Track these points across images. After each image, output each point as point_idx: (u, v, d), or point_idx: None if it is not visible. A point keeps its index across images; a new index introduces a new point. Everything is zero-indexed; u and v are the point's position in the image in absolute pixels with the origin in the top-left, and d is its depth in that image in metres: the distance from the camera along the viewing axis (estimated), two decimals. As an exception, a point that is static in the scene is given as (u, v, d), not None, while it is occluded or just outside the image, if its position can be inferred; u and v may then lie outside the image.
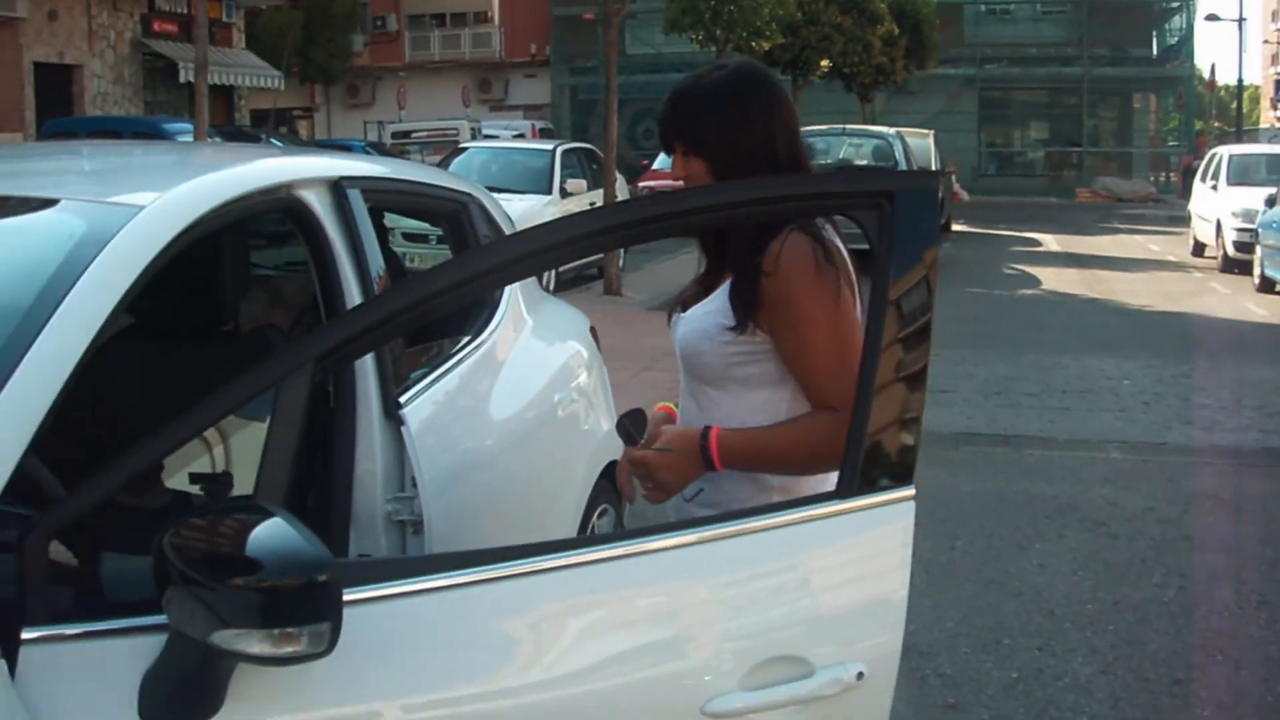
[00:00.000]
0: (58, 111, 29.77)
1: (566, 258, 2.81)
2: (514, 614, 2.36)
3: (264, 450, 2.31)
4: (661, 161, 29.40)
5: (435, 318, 2.67)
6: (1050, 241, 28.37)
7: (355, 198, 3.65)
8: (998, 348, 13.46)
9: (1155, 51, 51.93)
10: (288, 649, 2.00)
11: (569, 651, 2.40)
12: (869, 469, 2.52)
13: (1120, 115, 52.31)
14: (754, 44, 23.86)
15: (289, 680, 2.17)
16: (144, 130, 23.82)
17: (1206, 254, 23.82)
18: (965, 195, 37.55)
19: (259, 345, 3.92)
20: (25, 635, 2.12)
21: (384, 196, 4.07)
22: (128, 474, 2.29)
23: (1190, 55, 50.86)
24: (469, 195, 4.62)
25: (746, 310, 2.86)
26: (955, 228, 29.59)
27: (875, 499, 2.52)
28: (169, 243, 2.74)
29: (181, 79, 32.95)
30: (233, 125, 34.92)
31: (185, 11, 34.21)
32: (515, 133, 35.26)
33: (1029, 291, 19.72)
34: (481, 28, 53.38)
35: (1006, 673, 5.56)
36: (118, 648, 2.17)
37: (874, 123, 30.86)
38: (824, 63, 30.36)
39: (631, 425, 2.95)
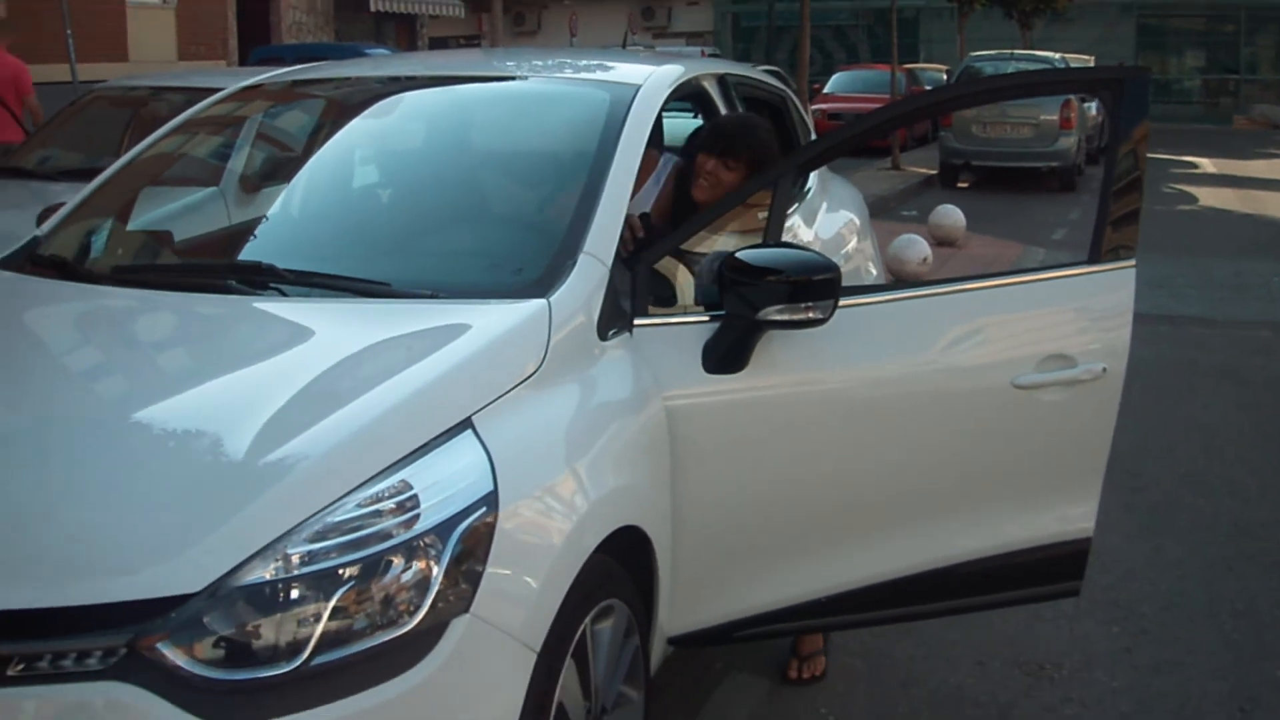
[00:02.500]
0: (257, 40, 31.74)
1: (920, 119, 4.42)
2: (923, 320, 4.01)
3: (769, 217, 3.95)
4: (832, 85, 30.83)
5: (856, 149, 4.31)
6: (1207, 164, 29.24)
7: (732, 87, 5.32)
8: (1159, 251, 14.76)
9: (1316, -23, 51.82)
10: (805, 316, 3.64)
11: (947, 339, 4.03)
12: (1108, 250, 4.11)
13: (1278, 42, 52.28)
14: (923, -28, 25.03)
15: (783, 353, 3.80)
16: (348, 54, 25.60)
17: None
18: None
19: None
20: (636, 322, 3.78)
21: (745, 89, 5.69)
22: (687, 234, 3.97)
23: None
24: (786, 91, 6.28)
25: None
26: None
27: (1115, 264, 4.11)
28: (659, 107, 4.41)
29: (372, 8, 34.87)
30: (413, 50, 36.82)
31: (373, -57, 36.11)
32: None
33: (1187, 207, 20.90)
34: (646, -45, 54.78)
35: (1176, 470, 7.15)
36: (687, 330, 3.80)
37: (1032, 49, 31.81)
38: (988, -10, 31.34)
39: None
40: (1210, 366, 9.71)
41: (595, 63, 5.35)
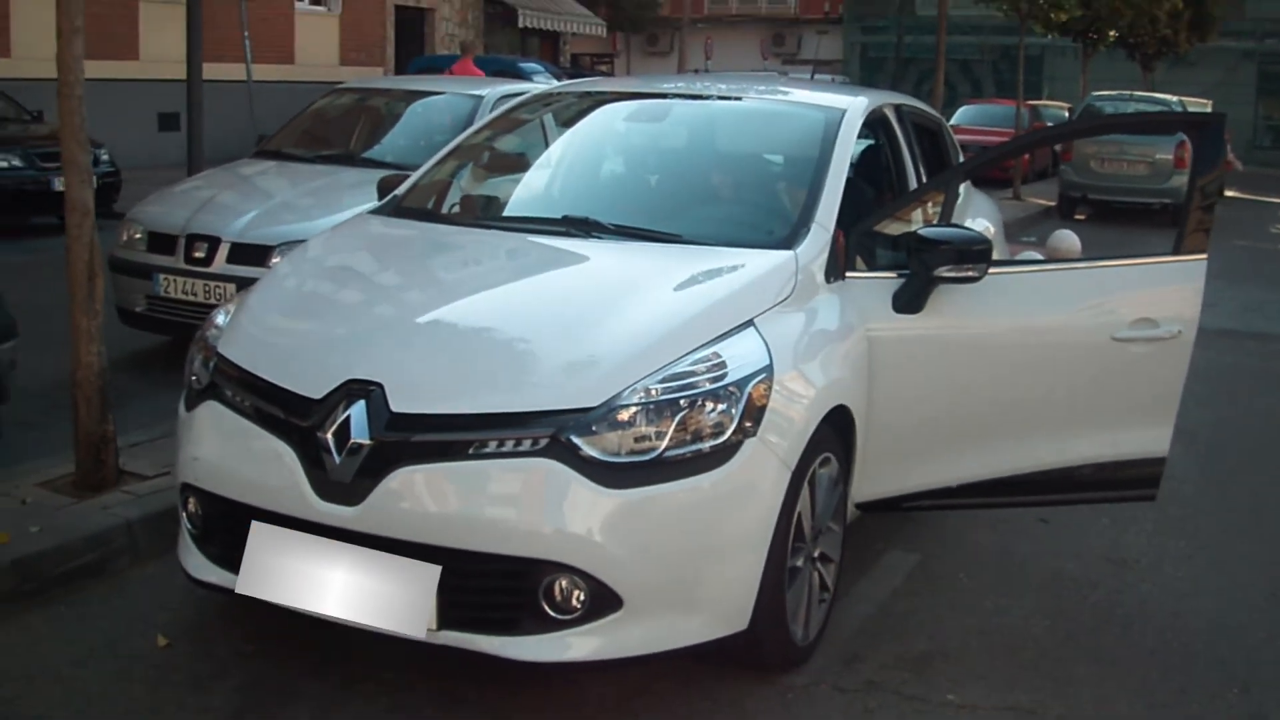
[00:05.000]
0: (413, 50, 33.81)
1: (1045, 145, 6.04)
2: (1051, 287, 5.62)
3: (941, 209, 5.59)
4: (958, 117, 32.26)
5: (996, 167, 5.93)
6: (1318, 209, 30.40)
7: (905, 115, 6.96)
8: (1257, 281, 16.15)
9: None
10: (968, 274, 5.26)
11: (1067, 301, 5.60)
12: (1187, 248, 5.65)
13: (1401, 91, 52.67)
14: (1052, 15, 26.39)
15: (949, 303, 5.41)
16: (503, 68, 27.41)
17: None
18: (1239, 165, 38.64)
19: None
20: (848, 274, 5.41)
21: (914, 116, 7.31)
22: (882, 218, 5.61)
23: None
24: (941, 119, 7.92)
25: None
26: (1227, 193, 31.34)
27: (1192, 257, 5.66)
28: (859, 126, 6.06)
29: (520, 24, 36.86)
30: (557, 65, 38.78)
31: (522, -36, 38.06)
32: (817, 86, 38.06)
33: (1291, 246, 22.26)
34: (779, -16, 56.48)
35: (1245, 444, 8.69)
36: (883, 282, 5.44)
37: (1153, 90, 33.01)
38: (1112, 33, 32.54)
39: None
40: (1288, 374, 11.22)
41: (793, 90, 6.97)
